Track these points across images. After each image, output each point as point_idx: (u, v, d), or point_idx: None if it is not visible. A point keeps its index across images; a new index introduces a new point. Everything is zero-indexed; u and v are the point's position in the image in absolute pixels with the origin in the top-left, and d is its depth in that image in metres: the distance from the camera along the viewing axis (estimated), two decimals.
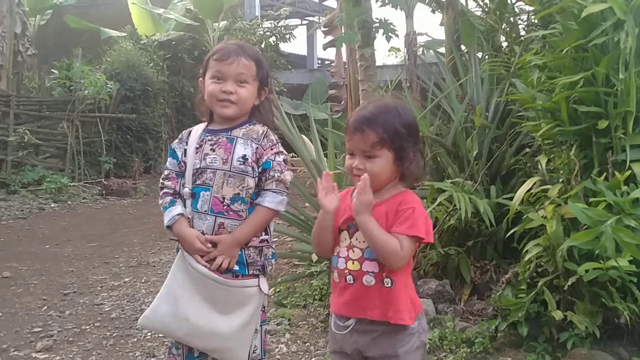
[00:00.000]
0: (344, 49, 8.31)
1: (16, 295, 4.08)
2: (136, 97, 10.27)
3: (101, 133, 9.66)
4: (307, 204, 4.68)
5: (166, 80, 11.24)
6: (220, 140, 2.02)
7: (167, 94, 11.40)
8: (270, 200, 1.99)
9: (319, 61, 21.00)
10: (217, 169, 1.99)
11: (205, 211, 1.99)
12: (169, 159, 2.11)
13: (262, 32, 12.67)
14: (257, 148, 2.01)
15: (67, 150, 9.19)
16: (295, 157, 6.06)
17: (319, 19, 18.98)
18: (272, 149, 2.03)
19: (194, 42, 12.34)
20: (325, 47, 10.49)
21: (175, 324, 1.98)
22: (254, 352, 2.10)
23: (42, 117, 9.47)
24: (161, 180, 2.10)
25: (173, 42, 12.08)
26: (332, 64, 11.50)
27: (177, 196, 2.05)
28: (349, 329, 1.72)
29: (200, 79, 2.09)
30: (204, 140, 2.04)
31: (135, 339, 3.23)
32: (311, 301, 3.65)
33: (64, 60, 9.93)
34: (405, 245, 1.64)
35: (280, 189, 2.01)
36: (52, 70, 9.98)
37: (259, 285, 2.02)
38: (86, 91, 9.19)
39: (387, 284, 1.68)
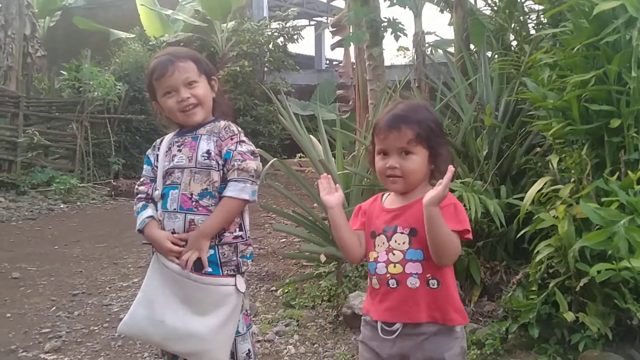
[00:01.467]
0: (352, 49, 8.28)
1: (25, 296, 4.09)
2: (145, 98, 10.26)
3: (110, 134, 9.70)
4: (315, 205, 4.67)
5: None
6: (186, 141, 2.05)
7: None
8: (233, 189, 1.96)
9: (327, 61, 20.96)
10: (184, 167, 2.01)
11: (175, 209, 1.99)
12: (144, 166, 2.16)
13: (270, 33, 12.67)
14: (217, 140, 2.01)
15: (76, 151, 9.24)
16: (303, 157, 6.06)
17: (326, 19, 18.96)
18: (232, 139, 2.02)
19: (202, 43, 12.38)
20: (333, 47, 10.45)
21: (152, 327, 1.95)
22: (249, 358, 2.09)
23: (51, 119, 9.52)
24: (136, 187, 2.13)
25: (181, 44, 12.09)
26: (340, 64, 11.45)
27: (149, 200, 2.07)
28: (396, 334, 1.66)
29: (154, 102, 2.11)
30: (172, 143, 2.08)
31: None
32: (319, 302, 3.63)
33: (73, 62, 9.97)
34: (457, 241, 1.61)
35: (243, 177, 1.97)
36: (62, 71, 10.03)
37: (235, 285, 1.99)
38: (95, 92, 9.24)
39: (433, 285, 1.64)
